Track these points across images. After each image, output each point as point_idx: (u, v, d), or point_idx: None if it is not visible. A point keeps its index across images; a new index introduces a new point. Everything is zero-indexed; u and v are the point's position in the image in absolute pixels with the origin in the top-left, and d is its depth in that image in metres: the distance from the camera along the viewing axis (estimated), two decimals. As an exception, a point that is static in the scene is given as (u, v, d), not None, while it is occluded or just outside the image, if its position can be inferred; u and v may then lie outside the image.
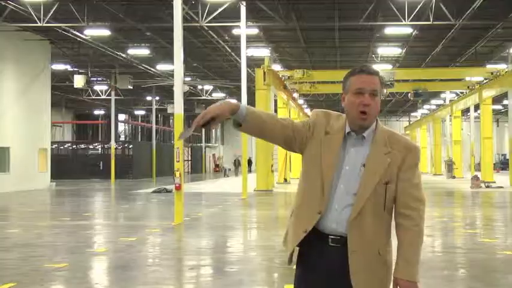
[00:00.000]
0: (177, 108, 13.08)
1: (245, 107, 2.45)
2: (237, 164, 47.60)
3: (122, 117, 55.13)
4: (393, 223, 2.49)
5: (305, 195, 2.50)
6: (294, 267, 2.53)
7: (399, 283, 2.40)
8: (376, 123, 2.48)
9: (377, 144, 2.44)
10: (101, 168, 40.51)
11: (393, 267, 2.46)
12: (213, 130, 64.86)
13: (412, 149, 2.48)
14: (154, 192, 23.25)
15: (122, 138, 53.81)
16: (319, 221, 2.43)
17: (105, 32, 24.08)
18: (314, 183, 2.45)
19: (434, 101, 47.39)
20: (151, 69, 31.85)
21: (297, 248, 2.50)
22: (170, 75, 31.75)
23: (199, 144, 59.23)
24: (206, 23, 21.64)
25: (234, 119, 2.45)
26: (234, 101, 2.49)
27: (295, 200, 2.59)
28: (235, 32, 23.91)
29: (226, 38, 26.01)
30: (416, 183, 2.45)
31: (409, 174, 2.44)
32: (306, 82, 31.53)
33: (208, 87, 41.34)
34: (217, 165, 61.81)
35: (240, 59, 22.55)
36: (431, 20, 20.93)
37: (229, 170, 47.97)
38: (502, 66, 28.08)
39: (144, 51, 28.95)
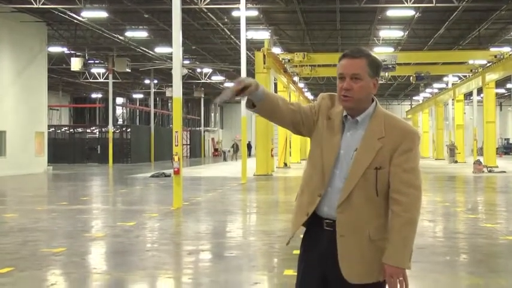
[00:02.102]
0: (176, 91, 12.93)
1: (263, 87, 2.49)
2: (235, 148, 47.49)
3: (119, 100, 54.92)
4: None
5: (308, 179, 2.53)
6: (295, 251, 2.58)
7: (385, 268, 2.39)
8: (375, 107, 2.47)
9: (372, 128, 2.43)
10: (99, 152, 40.36)
11: None
12: (212, 114, 64.80)
13: (408, 133, 2.44)
14: (152, 176, 23.12)
15: (120, 122, 53.66)
16: (318, 204, 2.46)
17: (102, 14, 23.79)
18: (316, 167, 2.49)
19: (436, 85, 47.19)
20: (150, 52, 31.59)
21: (303, 229, 2.55)
22: (169, 58, 31.52)
23: (198, 128, 59.10)
24: (205, 5, 21.38)
25: (250, 98, 2.47)
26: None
27: (300, 183, 2.60)
28: (234, 14, 23.63)
29: (226, 20, 25.72)
30: (410, 168, 2.41)
31: (402, 159, 2.40)
32: (307, 65, 31.30)
33: (207, 70, 41.11)
34: (216, 150, 61.73)
35: (239, 41, 22.29)
36: (434, 2, 20.64)
37: (229, 151, 47.85)
38: (505, 49, 27.85)
39: (142, 34, 28.68)
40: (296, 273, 2.62)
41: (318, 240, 2.47)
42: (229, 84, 2.39)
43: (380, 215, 2.42)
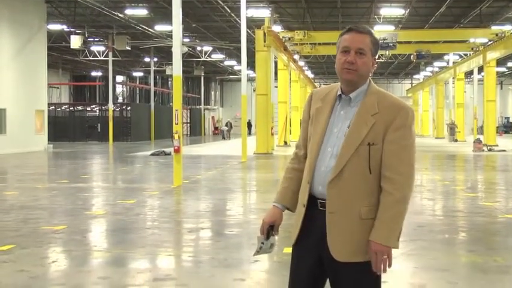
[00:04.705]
0: (176, 69, 12.90)
1: (278, 201, 2.63)
2: (229, 126, 47.56)
3: (119, 78, 54.70)
4: None
5: (305, 169, 2.54)
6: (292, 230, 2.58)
7: (370, 245, 2.36)
8: (369, 85, 2.47)
9: (365, 105, 2.42)
10: (99, 130, 40.36)
11: None
12: (213, 92, 64.67)
13: (402, 109, 2.40)
14: (152, 154, 23.16)
15: (120, 100, 53.55)
16: (311, 186, 2.47)
17: (101, -9, 23.56)
18: (310, 155, 2.51)
19: (437, 63, 46.94)
20: (150, 29, 31.37)
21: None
22: (169, 36, 31.30)
23: (198, 107, 59.01)
24: (205, -19, 21.14)
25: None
26: (272, 207, 2.65)
27: None
28: (234, -9, 23.38)
29: (226, -3, 25.48)
30: (404, 145, 2.37)
31: (396, 136, 2.37)
32: (307, 43, 31.11)
33: (207, 48, 40.87)
34: (216, 128, 61.73)
35: (239, 19, 22.12)
36: (436, -21, 20.41)
37: (228, 131, 47.99)
38: (507, 28, 27.64)
39: (142, 11, 28.45)
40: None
41: (313, 221, 2.46)
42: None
43: (372, 193, 2.39)
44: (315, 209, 2.46)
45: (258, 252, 2.64)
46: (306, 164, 2.52)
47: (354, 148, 2.37)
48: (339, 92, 2.48)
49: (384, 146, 2.37)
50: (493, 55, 29.25)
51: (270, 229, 2.59)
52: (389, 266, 2.38)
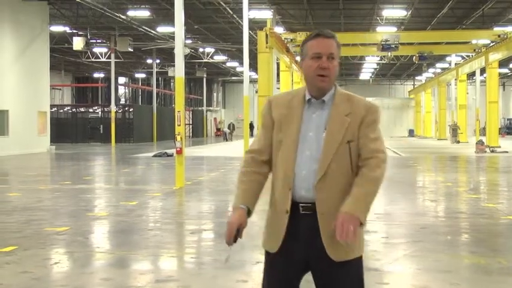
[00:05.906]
0: (178, 71, 12.91)
1: (243, 203, 2.60)
2: (231, 128, 47.58)
3: (122, 80, 54.76)
4: None
5: (278, 178, 2.56)
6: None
7: (338, 217, 2.37)
8: (335, 87, 2.55)
9: (337, 106, 2.51)
10: (101, 131, 40.40)
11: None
12: (215, 93, 64.70)
13: (371, 107, 2.54)
14: (155, 156, 23.18)
15: (122, 101, 53.60)
16: (293, 192, 2.49)
17: (104, -7, 23.60)
18: (285, 162, 2.50)
19: (439, 65, 46.93)
20: (152, 31, 31.41)
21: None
22: (171, 37, 31.32)
23: (200, 108, 59.02)
24: (207, -17, 21.17)
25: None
26: (235, 210, 2.61)
27: (271, 190, 2.62)
28: (237, -8, 23.41)
29: (228, -1, 25.51)
30: (374, 137, 2.50)
31: (368, 130, 2.49)
32: (309, 45, 31.05)
33: (209, 49, 40.91)
34: (218, 129, 61.73)
35: (241, 21, 22.15)
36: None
37: (230, 133, 47.98)
38: (509, 29, 27.60)
39: (144, 13, 28.49)
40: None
41: (297, 225, 2.47)
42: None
43: None
44: (296, 214, 2.47)
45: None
46: (280, 171, 2.52)
47: (335, 148, 2.44)
48: (308, 97, 2.53)
49: (359, 141, 2.47)
50: (496, 56, 29.20)
51: (236, 233, 2.56)
52: (352, 237, 2.33)
